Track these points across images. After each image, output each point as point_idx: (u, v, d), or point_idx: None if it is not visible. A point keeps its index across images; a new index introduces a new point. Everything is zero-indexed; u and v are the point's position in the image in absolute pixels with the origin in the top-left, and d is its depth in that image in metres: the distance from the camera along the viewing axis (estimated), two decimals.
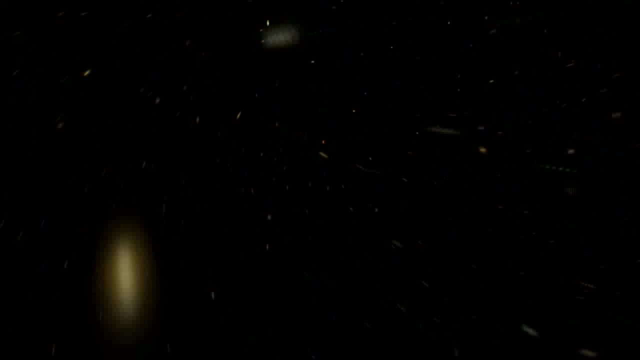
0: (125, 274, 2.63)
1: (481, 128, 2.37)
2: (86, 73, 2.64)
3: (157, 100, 2.72)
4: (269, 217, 2.75)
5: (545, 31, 2.66)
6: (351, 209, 2.76)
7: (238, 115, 2.80)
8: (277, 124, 2.84)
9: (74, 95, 2.65)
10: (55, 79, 2.62)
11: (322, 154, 2.62)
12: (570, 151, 2.34)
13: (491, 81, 2.53)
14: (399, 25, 2.84)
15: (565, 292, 2.52)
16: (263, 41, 2.29)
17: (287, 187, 2.77)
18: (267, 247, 2.72)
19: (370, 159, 2.79)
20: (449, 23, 2.79)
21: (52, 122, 2.61)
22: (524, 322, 2.51)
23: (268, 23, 2.70)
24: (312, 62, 2.80)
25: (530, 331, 2.43)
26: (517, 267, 2.60)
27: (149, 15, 2.64)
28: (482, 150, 2.35)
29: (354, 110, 2.87)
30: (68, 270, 2.55)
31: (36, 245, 2.56)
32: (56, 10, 2.60)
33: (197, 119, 2.76)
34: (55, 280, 2.53)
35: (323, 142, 2.85)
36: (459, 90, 2.68)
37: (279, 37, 2.37)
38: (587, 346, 2.39)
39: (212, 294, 2.61)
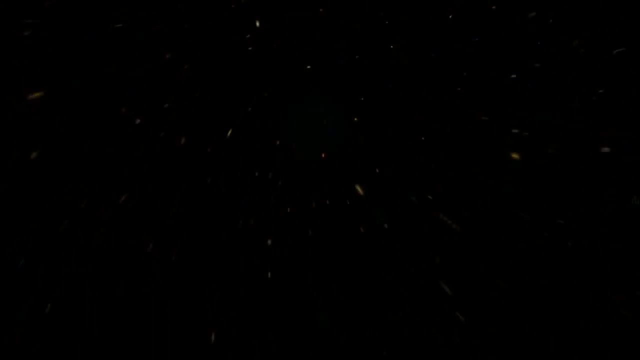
0: (115, 312, 2.49)
1: (515, 131, 2.26)
2: (58, 94, 2.52)
3: (138, 121, 2.61)
4: (269, 242, 2.62)
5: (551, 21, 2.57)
6: (361, 229, 2.62)
7: (229, 132, 2.67)
8: (271, 137, 2.72)
9: (46, 120, 2.52)
10: (24, 102, 2.49)
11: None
12: (605, 149, 2.22)
13: (513, 76, 2.41)
14: (398, 24, 2.74)
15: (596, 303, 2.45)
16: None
17: (288, 209, 2.63)
18: (269, 274, 2.59)
19: (377, 170, 2.66)
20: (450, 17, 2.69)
21: (24, 151, 2.47)
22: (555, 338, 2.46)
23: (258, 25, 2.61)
24: (308, 67, 2.69)
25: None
26: (542, 277, 2.51)
27: (121, 25, 2.53)
28: (515, 156, 2.23)
29: (355, 119, 2.75)
30: (50, 313, 2.41)
31: (14, 288, 2.42)
32: (22, 25, 2.49)
33: (183, 139, 2.65)
34: (37, 323, 2.41)
35: (323, 155, 2.71)
36: (476, 89, 2.58)
37: None
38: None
39: (213, 335, 2.47)
